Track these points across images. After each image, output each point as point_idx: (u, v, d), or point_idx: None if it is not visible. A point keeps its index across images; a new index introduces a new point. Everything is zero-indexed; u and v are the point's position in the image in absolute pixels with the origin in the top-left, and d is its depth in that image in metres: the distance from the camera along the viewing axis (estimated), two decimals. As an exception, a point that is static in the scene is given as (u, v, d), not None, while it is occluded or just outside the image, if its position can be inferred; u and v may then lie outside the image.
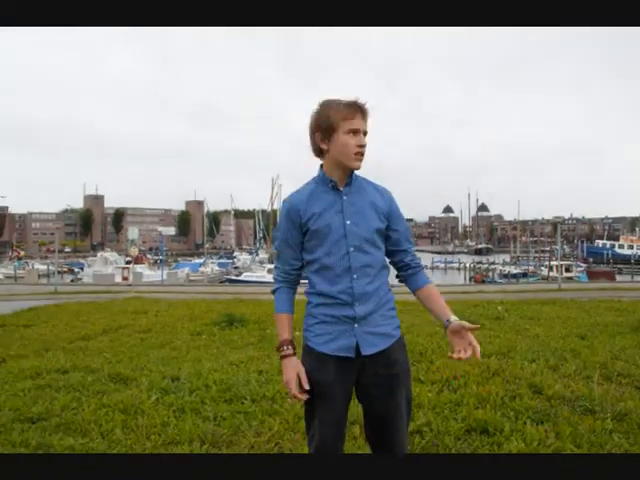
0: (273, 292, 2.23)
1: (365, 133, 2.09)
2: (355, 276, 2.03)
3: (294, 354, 2.10)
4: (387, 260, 2.17)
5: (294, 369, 2.07)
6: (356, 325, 2.03)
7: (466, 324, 1.96)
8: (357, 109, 2.05)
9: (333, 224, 2.04)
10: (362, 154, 2.04)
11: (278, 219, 2.27)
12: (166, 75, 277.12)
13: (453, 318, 2.01)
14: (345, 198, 2.07)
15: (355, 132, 2.04)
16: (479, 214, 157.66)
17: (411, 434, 3.21)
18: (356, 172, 2.11)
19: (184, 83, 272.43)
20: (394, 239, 2.14)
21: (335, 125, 2.03)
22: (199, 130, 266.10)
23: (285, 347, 2.09)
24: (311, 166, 2.17)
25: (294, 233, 2.10)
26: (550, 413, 3.60)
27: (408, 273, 2.18)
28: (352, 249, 2.04)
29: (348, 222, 2.05)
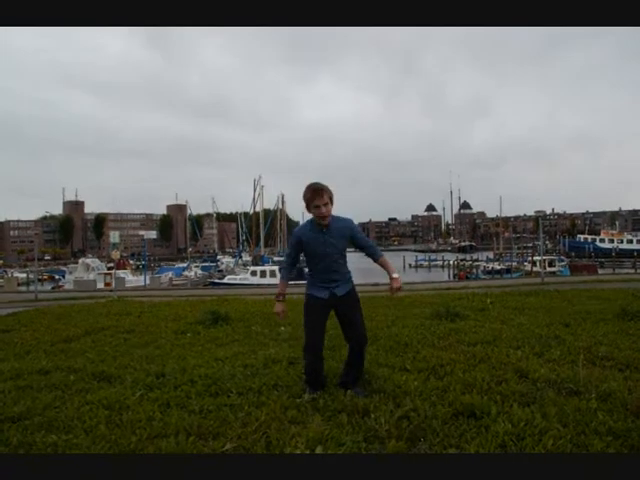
0: (280, 269, 4.64)
1: (325, 204, 3.82)
2: (331, 271, 4.06)
3: (284, 301, 4.20)
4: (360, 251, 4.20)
5: (282, 306, 4.17)
6: (332, 286, 4.07)
7: (391, 278, 3.98)
8: (316, 192, 3.81)
9: (319, 251, 3.98)
10: (323, 217, 3.83)
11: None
12: (144, 71, 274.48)
13: (394, 275, 3.99)
14: (327, 236, 3.96)
15: (317, 207, 3.82)
16: (462, 212, 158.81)
17: (399, 419, 3.22)
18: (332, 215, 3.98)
19: (166, 81, 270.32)
20: (359, 245, 4.11)
21: (307, 203, 3.89)
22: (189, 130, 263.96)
23: (280, 297, 4.15)
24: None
25: (296, 249, 4.12)
26: (536, 396, 3.63)
27: (371, 258, 4.18)
28: (328, 262, 4.01)
29: (328, 250, 3.98)
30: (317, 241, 3.92)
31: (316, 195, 3.77)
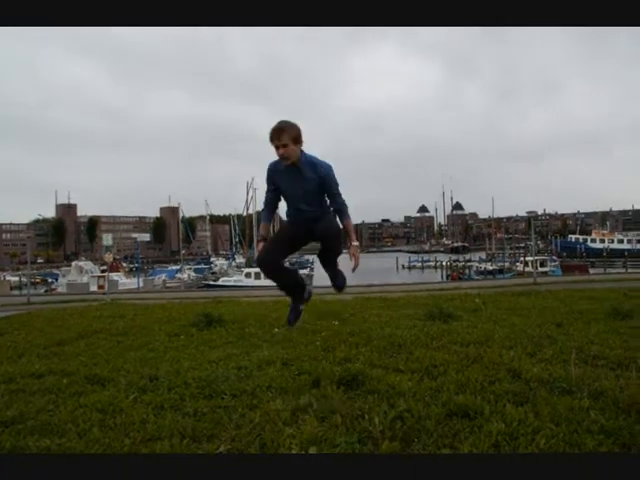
0: (262, 210, 4.62)
1: (285, 145, 3.85)
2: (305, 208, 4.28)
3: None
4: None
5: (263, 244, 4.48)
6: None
7: (352, 245, 4.26)
8: (274, 132, 3.84)
9: (289, 185, 4.11)
10: (283, 159, 3.91)
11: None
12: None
13: (354, 243, 4.27)
14: (296, 173, 4.03)
15: (276, 147, 3.90)
16: (454, 213, 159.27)
17: (392, 420, 3.23)
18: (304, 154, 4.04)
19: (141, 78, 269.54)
20: (327, 191, 4.16)
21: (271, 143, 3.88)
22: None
23: (262, 239, 4.43)
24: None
25: (269, 183, 4.17)
26: (529, 395, 3.65)
27: (337, 214, 4.37)
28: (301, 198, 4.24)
29: (301, 185, 4.08)
30: (288, 176, 4.00)
31: (273, 135, 3.77)
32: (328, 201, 4.28)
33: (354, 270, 4.23)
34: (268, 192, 4.24)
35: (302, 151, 3.93)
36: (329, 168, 4.07)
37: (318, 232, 4.17)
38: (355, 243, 4.29)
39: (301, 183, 3.99)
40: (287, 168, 3.97)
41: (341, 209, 4.22)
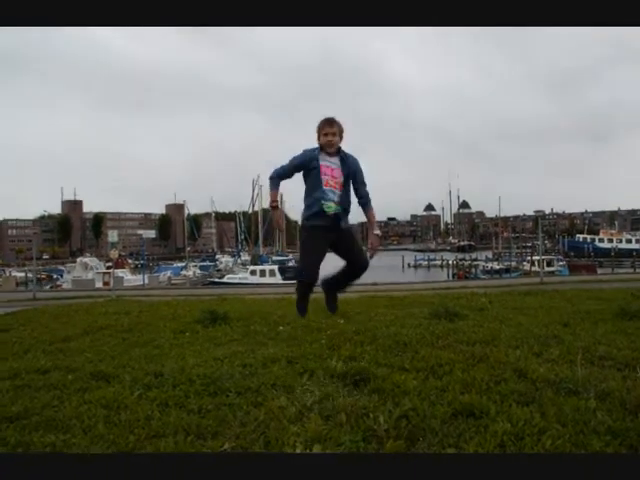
0: (271, 178, 4.77)
1: (334, 134, 4.44)
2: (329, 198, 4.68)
3: (280, 208, 4.40)
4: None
5: (280, 212, 4.44)
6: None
7: (372, 234, 4.55)
8: (327, 121, 4.41)
9: (327, 169, 4.41)
10: (330, 145, 4.43)
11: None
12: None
13: (376, 232, 4.51)
14: (331, 160, 4.41)
15: (325, 134, 4.39)
16: (461, 211, 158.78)
17: (398, 418, 3.22)
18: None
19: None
20: (358, 180, 4.50)
21: (318, 133, 4.32)
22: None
23: (275, 203, 4.63)
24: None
25: (297, 162, 4.62)
26: (535, 395, 3.62)
27: (361, 203, 4.68)
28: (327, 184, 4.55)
29: (330, 172, 4.49)
30: (325, 162, 4.39)
31: (326, 124, 4.37)
32: (353, 192, 4.70)
33: (371, 257, 4.42)
34: (291, 167, 4.62)
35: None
36: (358, 160, 4.54)
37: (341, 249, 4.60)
38: (377, 232, 4.59)
39: (336, 171, 4.38)
40: (325, 156, 4.43)
41: (367, 199, 4.59)
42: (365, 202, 4.61)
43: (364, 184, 4.61)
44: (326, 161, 4.38)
